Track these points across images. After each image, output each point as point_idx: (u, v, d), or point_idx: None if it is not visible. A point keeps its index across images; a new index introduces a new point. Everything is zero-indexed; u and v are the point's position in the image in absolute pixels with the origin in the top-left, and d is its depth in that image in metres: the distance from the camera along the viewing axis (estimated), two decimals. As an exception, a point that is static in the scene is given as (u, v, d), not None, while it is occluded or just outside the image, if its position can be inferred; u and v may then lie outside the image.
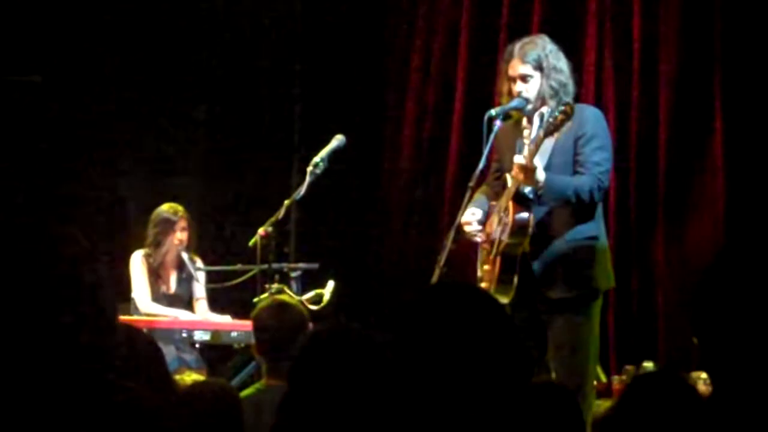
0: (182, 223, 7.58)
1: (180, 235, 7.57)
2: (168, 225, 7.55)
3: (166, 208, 7.61)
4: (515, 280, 5.63)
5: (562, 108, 5.43)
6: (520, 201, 5.65)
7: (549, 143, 5.60)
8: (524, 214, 5.63)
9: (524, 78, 5.71)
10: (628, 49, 7.81)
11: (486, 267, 5.81)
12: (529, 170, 5.46)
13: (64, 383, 1.78)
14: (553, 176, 5.53)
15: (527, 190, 5.61)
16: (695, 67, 7.60)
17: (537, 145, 5.49)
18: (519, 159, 5.52)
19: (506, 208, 5.67)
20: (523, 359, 2.26)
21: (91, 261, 1.87)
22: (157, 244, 7.56)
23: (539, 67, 5.70)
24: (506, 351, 2.21)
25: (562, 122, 5.41)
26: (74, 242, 1.87)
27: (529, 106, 5.74)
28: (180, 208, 7.62)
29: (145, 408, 1.87)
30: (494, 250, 5.73)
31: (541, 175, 5.47)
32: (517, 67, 5.73)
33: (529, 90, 5.71)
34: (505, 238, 5.64)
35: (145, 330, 6.64)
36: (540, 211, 5.66)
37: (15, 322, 1.77)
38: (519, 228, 5.63)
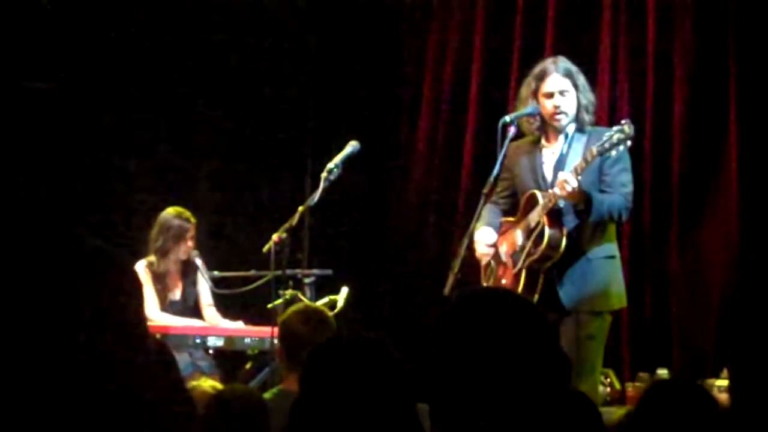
0: (192, 230, 7.39)
1: (189, 242, 7.38)
2: (180, 231, 7.34)
3: (174, 213, 7.39)
4: (536, 297, 5.73)
5: (621, 127, 5.49)
6: (555, 216, 5.69)
7: (576, 162, 5.64)
8: (559, 231, 5.69)
9: (563, 92, 5.78)
10: (643, 60, 7.80)
11: (504, 282, 5.87)
12: (574, 187, 5.52)
13: (84, 394, 1.77)
14: (595, 193, 5.60)
15: (561, 204, 5.66)
16: (709, 78, 7.58)
17: (587, 162, 5.56)
18: (566, 175, 5.55)
19: (538, 223, 5.71)
20: (562, 364, 2.26)
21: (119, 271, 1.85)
22: (166, 251, 7.36)
23: (574, 84, 5.79)
24: (546, 356, 2.20)
25: (620, 141, 5.48)
26: (105, 254, 1.84)
27: (564, 121, 5.82)
28: (187, 213, 7.42)
29: (168, 417, 1.86)
30: (520, 264, 5.78)
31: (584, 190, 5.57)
32: (556, 82, 5.81)
33: (568, 104, 5.79)
34: (536, 253, 5.73)
35: (158, 336, 6.65)
36: (567, 224, 5.72)
37: (36, 334, 1.75)
38: (553, 246, 5.71)
